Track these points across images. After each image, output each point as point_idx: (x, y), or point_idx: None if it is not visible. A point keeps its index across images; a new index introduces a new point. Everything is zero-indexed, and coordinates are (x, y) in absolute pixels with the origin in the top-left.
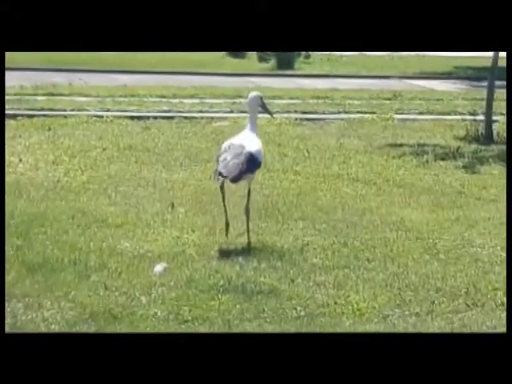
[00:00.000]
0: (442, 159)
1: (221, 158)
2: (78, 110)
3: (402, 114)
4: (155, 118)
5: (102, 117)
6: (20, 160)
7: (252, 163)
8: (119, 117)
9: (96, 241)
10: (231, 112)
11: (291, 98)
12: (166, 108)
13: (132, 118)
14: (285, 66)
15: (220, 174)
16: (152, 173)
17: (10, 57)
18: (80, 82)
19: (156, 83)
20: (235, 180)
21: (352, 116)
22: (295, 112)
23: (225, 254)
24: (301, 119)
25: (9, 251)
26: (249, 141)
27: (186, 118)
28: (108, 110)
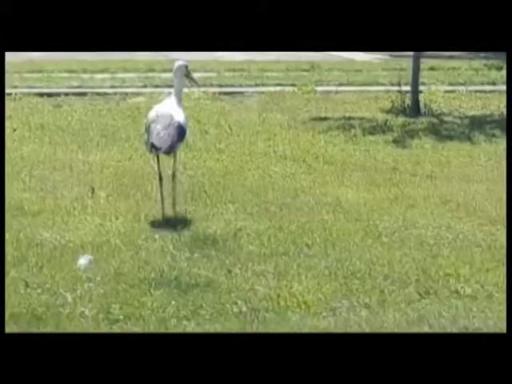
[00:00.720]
0: (371, 133)
1: (151, 129)
2: None
3: (322, 85)
4: (66, 94)
5: (9, 94)
6: None
7: (181, 133)
8: (28, 94)
9: (12, 231)
10: (145, 87)
11: (206, 71)
12: (76, 84)
13: (42, 95)
14: None
15: (153, 145)
16: (67, 154)
17: None
18: None
19: (64, 58)
20: (168, 152)
21: (271, 89)
22: (211, 85)
23: (153, 242)
24: (219, 93)
25: None
26: (175, 110)
27: (98, 94)
28: (16, 87)
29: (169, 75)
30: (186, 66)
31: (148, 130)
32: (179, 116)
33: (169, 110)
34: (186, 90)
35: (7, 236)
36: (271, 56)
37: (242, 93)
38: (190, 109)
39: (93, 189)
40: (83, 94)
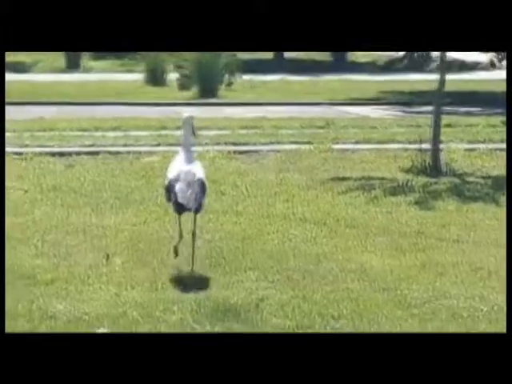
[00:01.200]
0: (392, 194)
1: (177, 189)
2: None
3: (338, 143)
4: (78, 154)
5: (20, 154)
6: None
7: (204, 189)
8: (39, 153)
9: (24, 302)
10: (158, 145)
11: (219, 129)
12: (88, 143)
13: (53, 154)
14: (208, 93)
15: (181, 205)
16: (81, 217)
17: None
18: None
19: (75, 115)
20: (198, 210)
21: (286, 147)
22: (225, 144)
23: (172, 314)
24: (234, 152)
25: None
26: (194, 166)
27: (110, 153)
28: (26, 146)
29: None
30: (192, 117)
31: (171, 190)
32: (200, 172)
33: (188, 166)
34: (200, 148)
35: (19, 308)
36: (284, 113)
37: (257, 151)
38: (205, 168)
39: (108, 255)
40: (96, 154)
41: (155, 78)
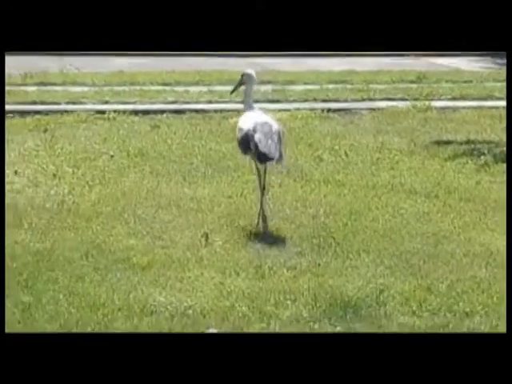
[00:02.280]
0: (504, 161)
1: (256, 139)
2: (74, 103)
3: (434, 99)
4: (162, 112)
5: (103, 112)
6: (15, 172)
7: (282, 140)
8: (122, 112)
9: (120, 292)
10: (242, 102)
11: (306, 83)
12: (171, 99)
13: (136, 112)
14: None
15: (264, 155)
16: (172, 187)
17: None
18: (70, 68)
19: (154, 68)
20: (279, 159)
21: (379, 104)
22: (314, 100)
23: (285, 309)
24: (326, 110)
25: (13, 312)
26: (269, 118)
27: (197, 111)
28: (107, 102)
29: (269, 87)
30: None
31: (249, 139)
32: (275, 124)
33: (262, 119)
34: (288, 105)
35: (115, 299)
36: (372, 65)
37: (350, 109)
38: (299, 129)
39: (207, 235)
40: (181, 112)
41: None
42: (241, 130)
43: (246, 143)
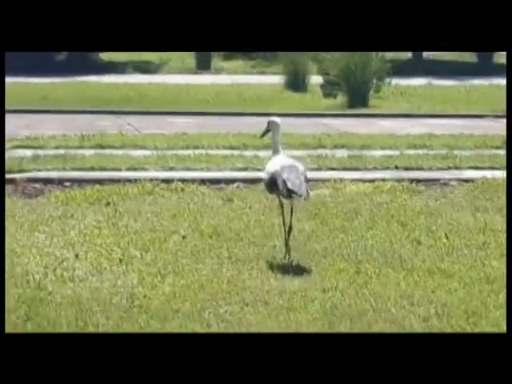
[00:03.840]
0: None
1: (284, 177)
2: (135, 170)
3: None
4: (233, 181)
5: (169, 182)
6: (76, 256)
7: (307, 181)
8: (189, 181)
9: None
10: (319, 169)
11: (383, 148)
12: (240, 165)
13: (204, 181)
14: (358, 102)
15: (293, 192)
16: (256, 278)
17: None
18: (130, 129)
19: (217, 128)
20: (306, 197)
21: (467, 173)
22: (396, 168)
23: None
24: (414, 181)
25: None
26: (295, 161)
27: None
28: (172, 169)
29: (344, 152)
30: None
31: (278, 180)
32: (301, 166)
33: (289, 162)
34: (370, 174)
35: None
36: (449, 128)
37: (438, 180)
38: (387, 205)
39: None
40: (253, 182)
41: (296, 83)
42: (268, 172)
43: (274, 183)
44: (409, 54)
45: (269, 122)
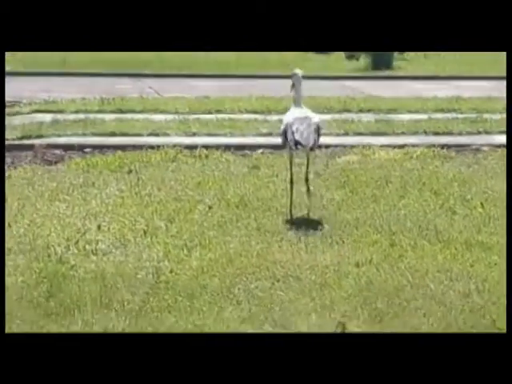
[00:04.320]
0: None
1: (293, 129)
2: (157, 135)
3: None
4: (258, 147)
5: (193, 148)
6: (99, 227)
7: (319, 133)
8: (214, 147)
9: None
10: (346, 134)
11: (410, 112)
12: (265, 130)
13: (229, 147)
14: (382, 64)
15: (298, 143)
16: (286, 251)
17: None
18: (150, 92)
19: (239, 91)
20: (312, 148)
21: (498, 138)
22: (425, 133)
23: None
24: (445, 147)
25: None
26: (310, 113)
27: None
28: (194, 135)
29: (371, 117)
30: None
31: (288, 130)
32: (315, 117)
33: (304, 113)
34: (397, 139)
35: None
36: (478, 90)
37: (468, 145)
38: (418, 172)
39: (343, 326)
40: (279, 147)
41: None
42: (283, 123)
43: (285, 133)
44: None
45: (292, 75)
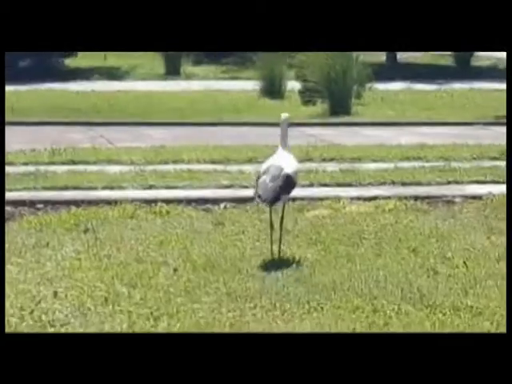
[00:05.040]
0: None
1: (260, 180)
2: (112, 188)
3: None
4: (220, 201)
5: (152, 203)
6: (55, 294)
7: (289, 185)
8: (173, 201)
9: None
10: (311, 185)
11: (375, 161)
12: (226, 182)
13: (189, 201)
14: (340, 110)
15: (259, 196)
16: (262, 320)
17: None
18: (103, 142)
19: (194, 139)
20: (272, 202)
21: (470, 189)
22: (393, 183)
23: None
24: (415, 198)
25: None
26: (286, 161)
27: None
28: (151, 187)
29: (335, 166)
30: (289, 118)
31: (257, 181)
32: (289, 167)
33: (279, 161)
34: (365, 191)
35: None
36: (442, 137)
37: (439, 197)
38: (392, 227)
39: None
40: (242, 202)
41: (272, 90)
42: (258, 171)
43: (255, 184)
44: (383, 57)
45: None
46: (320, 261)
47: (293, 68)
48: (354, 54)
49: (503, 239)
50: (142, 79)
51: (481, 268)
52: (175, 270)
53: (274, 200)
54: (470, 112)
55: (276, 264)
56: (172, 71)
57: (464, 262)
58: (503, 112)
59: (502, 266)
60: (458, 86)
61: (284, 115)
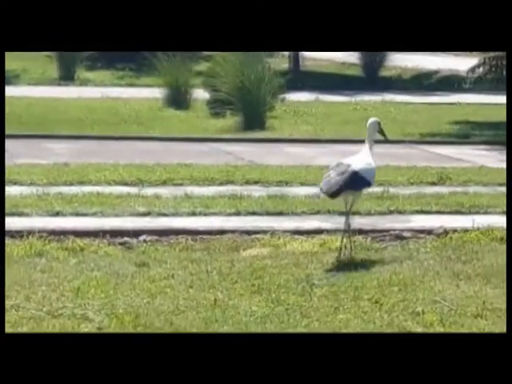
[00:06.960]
0: None
1: (325, 175)
2: (13, 215)
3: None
4: (139, 233)
5: (59, 234)
6: None
7: (356, 181)
8: (86, 234)
9: None
10: (237, 214)
11: (303, 184)
12: (142, 209)
13: (104, 233)
14: (254, 124)
15: (321, 189)
16: None
17: None
18: None
19: (100, 155)
20: (333, 196)
21: (415, 220)
22: (329, 213)
23: None
24: (359, 232)
25: None
26: (358, 160)
27: (187, 232)
28: (58, 214)
29: (261, 191)
30: (379, 123)
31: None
32: (358, 165)
33: (351, 159)
34: (305, 224)
35: None
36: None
37: (387, 231)
38: (345, 273)
39: None
40: (165, 234)
41: (176, 99)
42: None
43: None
44: (285, 65)
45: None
46: (270, 316)
47: (200, 75)
48: (265, 60)
49: (474, 288)
50: (33, 84)
51: (458, 326)
52: (99, 328)
53: (334, 193)
54: (390, 128)
55: (218, 319)
56: (66, 76)
57: (441, 320)
58: (425, 129)
59: (482, 323)
60: (368, 97)
61: (372, 119)
